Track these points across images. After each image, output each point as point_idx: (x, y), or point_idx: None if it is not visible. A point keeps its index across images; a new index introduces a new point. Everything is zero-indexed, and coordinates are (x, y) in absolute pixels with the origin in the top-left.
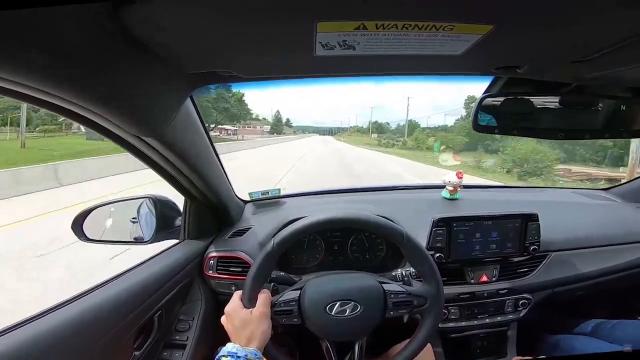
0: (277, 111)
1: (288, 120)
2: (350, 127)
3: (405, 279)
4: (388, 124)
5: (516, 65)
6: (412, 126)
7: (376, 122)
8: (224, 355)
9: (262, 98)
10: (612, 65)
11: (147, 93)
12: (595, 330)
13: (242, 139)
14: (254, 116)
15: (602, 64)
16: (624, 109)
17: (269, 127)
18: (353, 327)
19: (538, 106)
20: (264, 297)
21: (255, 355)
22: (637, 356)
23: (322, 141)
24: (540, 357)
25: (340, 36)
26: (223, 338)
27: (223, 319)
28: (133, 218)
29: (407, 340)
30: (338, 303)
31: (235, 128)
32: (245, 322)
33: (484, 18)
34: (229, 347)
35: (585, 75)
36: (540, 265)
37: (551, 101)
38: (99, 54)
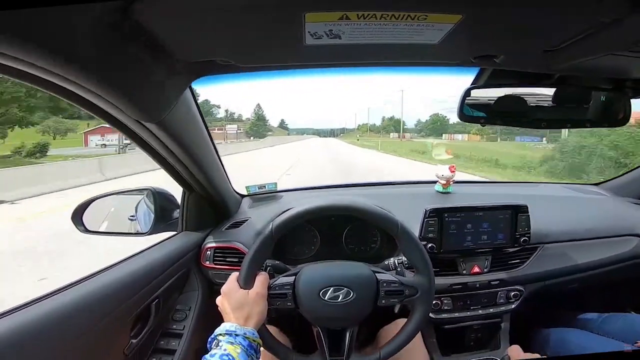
0: (258, 105)
1: (283, 121)
2: (360, 125)
3: (399, 268)
4: (403, 121)
5: (492, 54)
6: (440, 122)
7: (392, 117)
8: (221, 334)
9: (244, 93)
10: (581, 54)
11: (149, 78)
12: (585, 323)
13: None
14: (235, 116)
15: (572, 54)
16: (603, 99)
17: (236, 126)
18: (345, 314)
19: (522, 97)
20: (262, 278)
21: (253, 334)
22: (637, 356)
23: (323, 147)
24: (543, 357)
25: (327, 25)
26: None
27: (219, 299)
28: (132, 215)
29: (396, 320)
30: (331, 288)
31: None
32: (242, 302)
33: (453, 8)
34: (226, 326)
35: (559, 65)
36: (532, 257)
37: (534, 92)
38: (103, 39)
